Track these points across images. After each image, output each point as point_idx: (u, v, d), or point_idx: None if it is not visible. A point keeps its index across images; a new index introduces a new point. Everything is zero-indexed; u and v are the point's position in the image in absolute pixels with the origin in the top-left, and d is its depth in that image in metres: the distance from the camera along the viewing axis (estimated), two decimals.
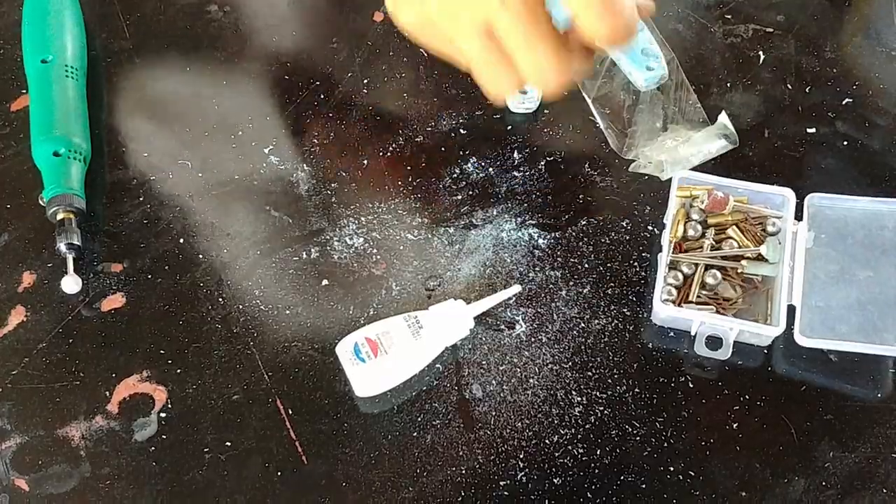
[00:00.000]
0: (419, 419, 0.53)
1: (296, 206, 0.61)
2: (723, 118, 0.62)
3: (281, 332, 0.56)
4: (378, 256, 0.59)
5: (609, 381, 0.54)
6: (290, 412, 0.54)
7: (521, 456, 0.52)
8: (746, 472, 0.52)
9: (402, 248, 0.59)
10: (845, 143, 0.63)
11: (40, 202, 0.59)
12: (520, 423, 0.53)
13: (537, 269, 0.58)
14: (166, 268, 0.59)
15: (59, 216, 0.58)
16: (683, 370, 0.55)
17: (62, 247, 0.57)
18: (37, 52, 0.63)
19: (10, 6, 0.69)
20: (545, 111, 0.64)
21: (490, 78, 0.46)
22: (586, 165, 0.62)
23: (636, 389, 0.54)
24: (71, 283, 0.57)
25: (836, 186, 0.59)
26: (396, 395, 0.54)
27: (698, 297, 0.55)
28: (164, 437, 0.53)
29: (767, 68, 0.66)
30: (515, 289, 0.56)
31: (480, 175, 0.62)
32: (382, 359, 0.53)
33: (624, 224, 0.60)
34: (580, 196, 0.61)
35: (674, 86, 0.63)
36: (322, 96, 0.66)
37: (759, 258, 0.56)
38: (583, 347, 0.55)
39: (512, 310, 0.57)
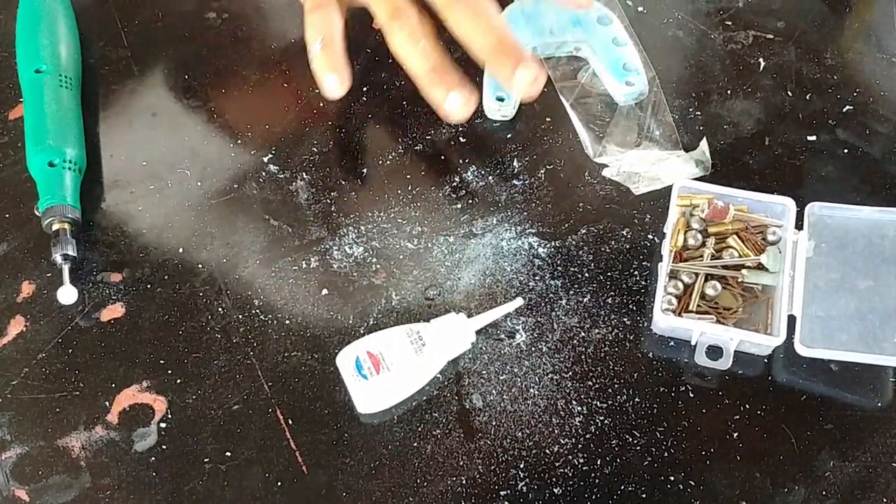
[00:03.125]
0: (419, 429, 0.53)
1: (295, 215, 0.61)
2: (703, 146, 0.61)
3: (281, 341, 0.56)
4: (378, 265, 0.59)
5: (609, 390, 0.54)
6: (290, 422, 0.53)
7: (522, 465, 0.52)
8: (747, 482, 0.52)
9: (401, 257, 0.59)
10: (846, 150, 0.63)
11: (36, 213, 0.58)
12: (520, 433, 0.53)
13: (537, 278, 0.58)
14: (166, 277, 0.59)
15: (55, 227, 0.57)
16: (684, 380, 0.55)
17: (57, 258, 0.57)
18: (30, 61, 0.63)
19: (8, 14, 0.69)
20: (547, 119, 0.64)
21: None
22: (586, 174, 0.62)
23: (636, 399, 0.54)
24: (67, 294, 0.56)
25: (836, 195, 0.59)
26: (396, 406, 0.54)
27: (698, 306, 0.55)
28: (164, 447, 0.53)
29: (768, 75, 0.66)
30: (518, 302, 0.56)
31: (480, 184, 0.62)
32: (385, 375, 0.52)
33: (624, 233, 0.60)
34: (580, 205, 0.61)
35: (651, 105, 0.63)
36: (321, 104, 0.66)
37: (760, 267, 0.56)
38: (583, 357, 0.55)
39: (512, 319, 0.57)
